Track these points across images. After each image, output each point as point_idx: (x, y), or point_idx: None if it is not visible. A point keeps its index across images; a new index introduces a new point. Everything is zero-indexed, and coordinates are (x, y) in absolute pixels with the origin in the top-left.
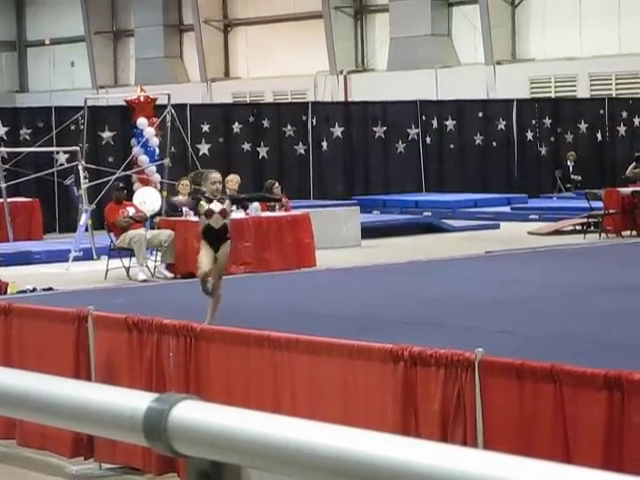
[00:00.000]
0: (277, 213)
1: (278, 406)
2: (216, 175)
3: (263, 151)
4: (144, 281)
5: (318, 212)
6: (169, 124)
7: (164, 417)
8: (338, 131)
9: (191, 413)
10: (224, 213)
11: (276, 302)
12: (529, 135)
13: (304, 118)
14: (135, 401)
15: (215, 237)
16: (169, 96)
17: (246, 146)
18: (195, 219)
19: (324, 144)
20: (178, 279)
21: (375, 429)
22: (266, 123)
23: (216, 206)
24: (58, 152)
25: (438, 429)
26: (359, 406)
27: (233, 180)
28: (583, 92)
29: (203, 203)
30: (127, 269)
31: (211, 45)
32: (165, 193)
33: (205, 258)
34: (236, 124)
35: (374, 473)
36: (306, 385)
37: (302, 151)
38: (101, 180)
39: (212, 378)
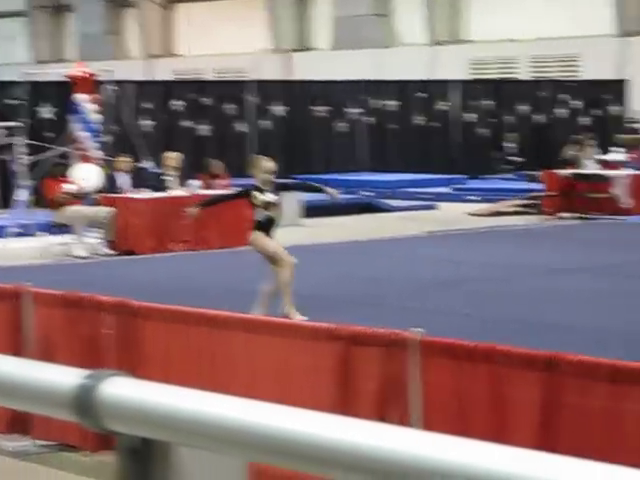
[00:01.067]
0: (217, 191)
1: (216, 384)
2: (271, 165)
3: (204, 129)
4: (83, 258)
5: None
6: (110, 100)
7: (94, 393)
8: (279, 110)
9: (121, 389)
10: (279, 203)
11: (215, 280)
12: (470, 116)
13: (245, 96)
14: (66, 377)
15: (271, 227)
16: (110, 73)
17: (187, 123)
18: (135, 196)
19: (265, 122)
20: (118, 256)
21: (313, 408)
22: (207, 101)
23: (272, 197)
24: None
25: (377, 408)
26: (298, 385)
27: (173, 157)
28: (524, 74)
29: (257, 194)
30: (66, 245)
31: (152, 22)
32: (105, 170)
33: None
34: (177, 102)
35: (310, 451)
36: (245, 363)
37: (243, 129)
38: (40, 156)
39: (150, 356)
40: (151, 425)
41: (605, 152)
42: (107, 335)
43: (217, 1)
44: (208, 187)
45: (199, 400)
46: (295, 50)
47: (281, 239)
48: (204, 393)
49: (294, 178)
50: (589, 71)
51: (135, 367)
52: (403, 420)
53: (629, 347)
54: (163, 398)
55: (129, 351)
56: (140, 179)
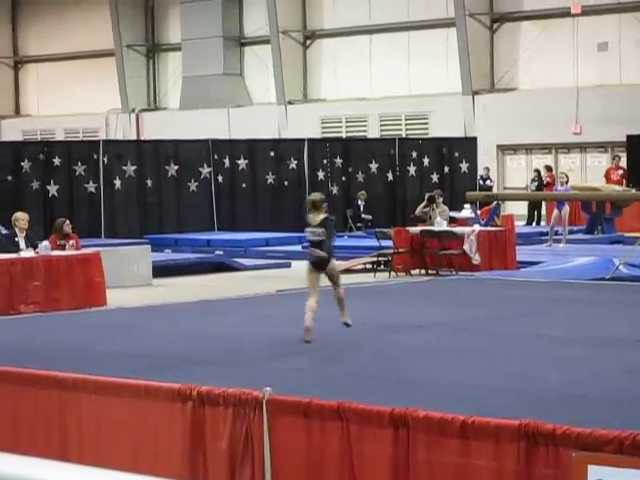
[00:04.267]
0: (67, 252)
1: (65, 447)
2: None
3: (53, 189)
4: None
5: (109, 251)
6: None
7: None
8: (130, 169)
9: None
10: None
11: (65, 342)
12: (320, 174)
13: (95, 156)
14: None
15: None
16: None
17: (35, 184)
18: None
19: (116, 182)
20: None
21: (163, 469)
22: (57, 161)
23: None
24: None
25: (226, 468)
26: (147, 446)
27: (23, 219)
28: (373, 132)
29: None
30: None
31: (1, 82)
32: None
33: None
34: (26, 162)
35: None
36: (94, 426)
37: (93, 189)
38: None
39: None
40: None
41: (456, 209)
42: None
43: (67, 61)
44: (58, 248)
45: (32, 468)
46: (145, 110)
47: (132, 299)
48: (38, 461)
49: (147, 238)
50: (438, 129)
51: None
52: (254, 479)
53: (478, 402)
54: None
55: None
56: None
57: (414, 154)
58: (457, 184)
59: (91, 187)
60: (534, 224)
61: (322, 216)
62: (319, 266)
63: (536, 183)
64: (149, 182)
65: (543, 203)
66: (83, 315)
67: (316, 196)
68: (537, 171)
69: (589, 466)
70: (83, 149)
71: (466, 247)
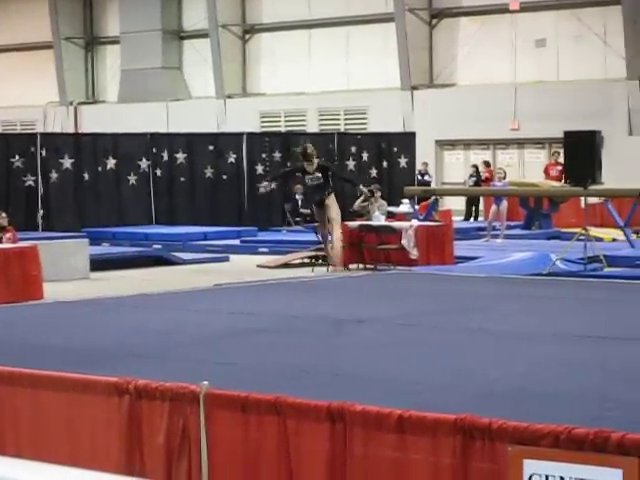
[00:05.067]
0: (3, 245)
1: (1, 441)
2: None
3: None
4: None
5: (46, 244)
6: None
7: None
8: (68, 163)
9: None
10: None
11: (0, 335)
12: (259, 169)
13: (33, 149)
14: None
15: None
16: None
17: None
18: None
19: (53, 175)
20: None
21: (100, 463)
22: None
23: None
24: None
25: (163, 463)
26: (84, 441)
27: None
28: (312, 127)
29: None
30: None
31: None
32: None
33: None
34: None
35: None
36: (30, 420)
37: (31, 182)
38: None
39: None
40: None
41: (394, 204)
42: None
43: (4, 53)
44: None
45: None
46: (83, 102)
47: (70, 292)
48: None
49: (85, 231)
50: (377, 123)
51: None
52: (190, 474)
53: (417, 397)
54: None
55: None
56: None
57: (353, 149)
58: (396, 179)
59: (29, 180)
60: (472, 219)
61: (316, 163)
62: (319, 204)
63: (474, 178)
64: (86, 175)
65: (481, 198)
66: (19, 308)
67: (305, 147)
68: (475, 167)
69: (525, 460)
70: (20, 142)
71: (404, 242)
